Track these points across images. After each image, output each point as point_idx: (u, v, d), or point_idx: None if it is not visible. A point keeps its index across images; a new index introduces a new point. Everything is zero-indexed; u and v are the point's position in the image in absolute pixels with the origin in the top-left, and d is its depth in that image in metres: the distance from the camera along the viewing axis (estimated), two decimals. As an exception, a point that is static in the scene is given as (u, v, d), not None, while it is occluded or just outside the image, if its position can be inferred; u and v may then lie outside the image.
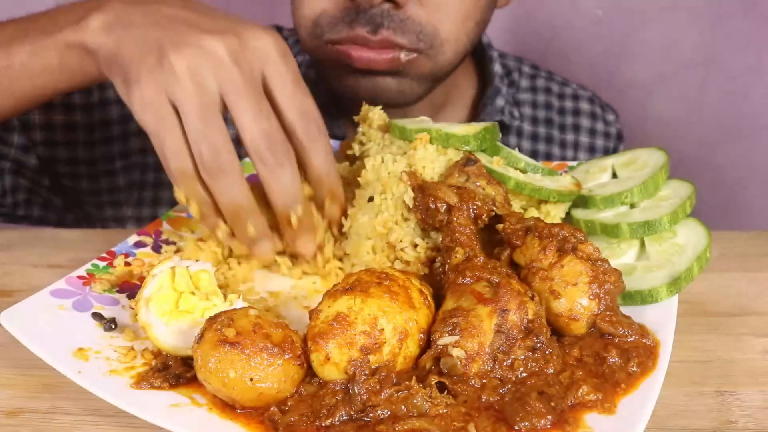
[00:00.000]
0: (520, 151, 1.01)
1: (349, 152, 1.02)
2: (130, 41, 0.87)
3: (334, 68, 1.26)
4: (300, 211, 0.89)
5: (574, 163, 1.14)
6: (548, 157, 1.54)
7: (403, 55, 1.20)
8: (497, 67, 1.50)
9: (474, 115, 1.52)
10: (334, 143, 1.21)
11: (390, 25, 1.16)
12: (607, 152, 1.59)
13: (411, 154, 0.92)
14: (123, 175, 1.41)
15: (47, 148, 1.35)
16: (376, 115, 1.02)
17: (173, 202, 1.06)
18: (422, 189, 0.87)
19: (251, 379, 0.68)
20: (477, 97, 1.54)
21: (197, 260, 0.85)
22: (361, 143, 1.02)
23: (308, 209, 0.90)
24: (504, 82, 1.52)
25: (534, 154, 1.54)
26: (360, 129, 1.03)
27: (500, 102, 1.48)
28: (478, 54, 1.54)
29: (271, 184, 0.86)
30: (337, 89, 1.30)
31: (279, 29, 1.58)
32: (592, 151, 1.58)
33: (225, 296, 0.82)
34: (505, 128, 1.50)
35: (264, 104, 0.85)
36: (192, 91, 0.82)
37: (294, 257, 0.97)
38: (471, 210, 0.85)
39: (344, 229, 0.96)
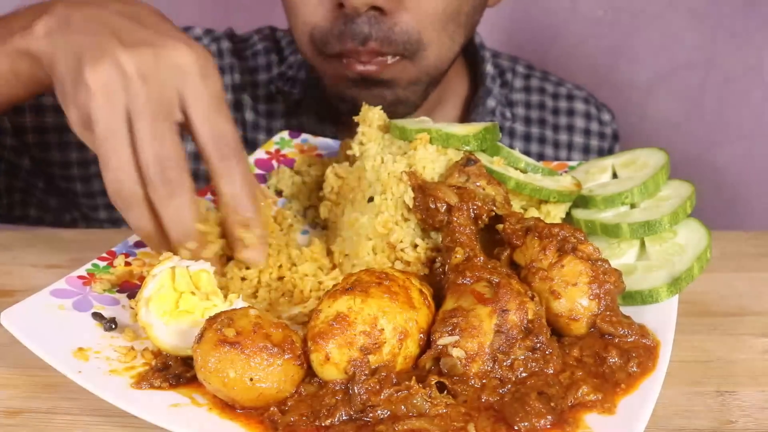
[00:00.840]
0: (513, 151, 1.01)
1: (349, 152, 1.02)
2: (63, 49, 0.85)
3: (335, 80, 1.27)
4: (192, 245, 0.85)
5: (574, 163, 1.14)
6: (541, 157, 1.54)
7: (389, 59, 1.21)
8: (489, 68, 1.50)
9: (465, 115, 1.52)
10: (334, 143, 1.21)
11: (378, 36, 1.17)
12: (602, 153, 1.59)
13: (411, 154, 0.92)
14: None
15: (40, 150, 1.35)
16: (376, 115, 1.02)
17: None
18: (422, 189, 0.87)
19: (251, 379, 0.68)
20: (469, 97, 1.54)
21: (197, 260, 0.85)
22: (361, 143, 1.02)
23: (202, 241, 0.86)
24: (496, 83, 1.52)
25: (526, 155, 1.54)
26: (360, 129, 1.03)
27: (491, 103, 1.48)
28: (470, 54, 1.54)
29: (163, 215, 0.83)
30: (336, 100, 1.31)
31: (273, 30, 1.59)
32: (586, 152, 1.58)
33: (225, 296, 0.82)
34: None
35: (164, 127, 0.82)
36: (102, 111, 0.81)
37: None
38: (471, 210, 0.85)
39: (343, 232, 0.96)
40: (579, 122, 1.59)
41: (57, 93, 0.87)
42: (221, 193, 0.86)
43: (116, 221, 1.44)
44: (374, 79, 1.24)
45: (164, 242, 0.86)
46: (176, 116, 0.83)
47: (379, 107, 1.03)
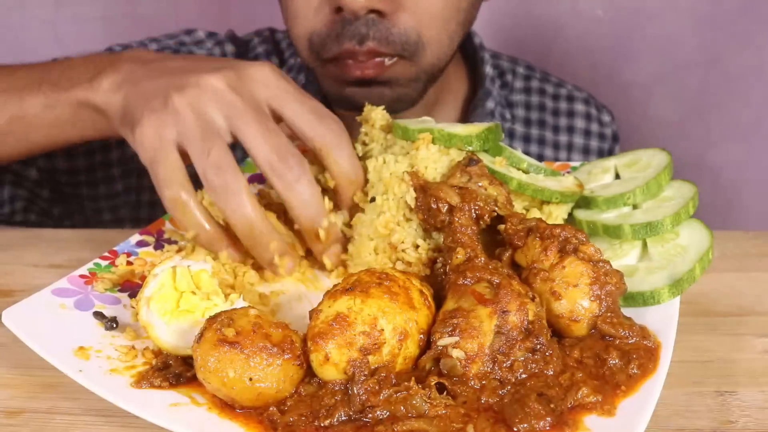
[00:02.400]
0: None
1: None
2: (137, 94, 0.90)
3: (334, 82, 1.27)
4: (325, 223, 0.90)
5: (576, 164, 1.14)
6: (541, 158, 1.54)
7: (386, 61, 1.21)
8: (488, 69, 1.50)
9: (464, 117, 1.52)
10: None
11: (375, 36, 1.17)
12: (602, 154, 1.59)
13: (413, 154, 0.92)
14: (121, 180, 1.42)
15: (47, 159, 1.36)
16: (378, 115, 1.02)
17: None
18: (424, 189, 0.87)
19: (250, 379, 0.68)
20: (468, 98, 1.54)
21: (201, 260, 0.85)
22: (364, 143, 1.02)
23: (332, 220, 0.91)
24: (495, 84, 1.52)
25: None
26: (362, 129, 1.03)
27: (490, 104, 1.48)
28: (470, 55, 1.54)
29: (292, 200, 0.87)
30: (336, 101, 1.31)
31: (273, 31, 1.59)
32: (586, 153, 1.58)
33: (226, 296, 0.82)
34: None
35: (270, 123, 0.87)
36: (193, 121, 0.85)
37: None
38: (473, 210, 0.85)
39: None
40: (579, 123, 1.59)
41: (128, 136, 0.91)
42: (338, 167, 0.92)
43: (119, 222, 1.44)
44: (372, 80, 1.24)
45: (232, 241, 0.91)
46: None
47: (382, 107, 1.03)
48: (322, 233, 0.90)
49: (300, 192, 0.87)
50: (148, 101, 0.88)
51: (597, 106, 1.63)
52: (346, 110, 1.28)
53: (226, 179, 0.84)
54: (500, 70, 1.58)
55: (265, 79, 0.90)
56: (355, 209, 0.96)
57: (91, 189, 1.41)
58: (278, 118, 0.92)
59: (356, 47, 1.18)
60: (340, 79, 1.25)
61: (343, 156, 0.91)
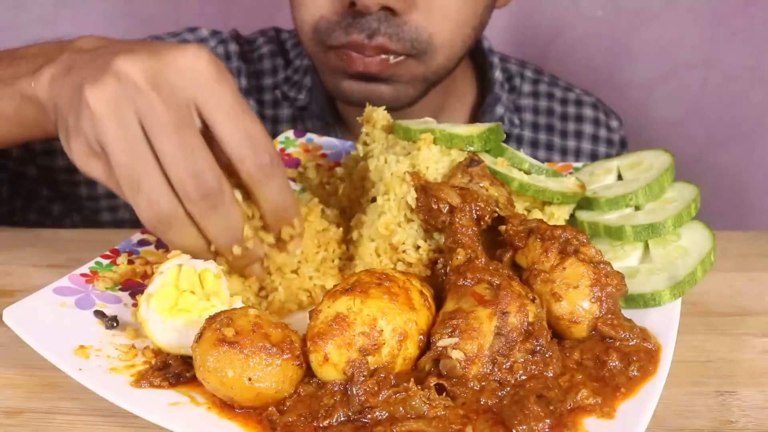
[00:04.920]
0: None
1: (353, 153, 1.02)
2: (65, 90, 0.80)
3: (333, 73, 1.26)
4: (238, 250, 0.82)
5: (578, 165, 1.14)
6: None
7: (392, 58, 1.20)
8: (497, 74, 1.49)
9: (473, 122, 1.51)
10: (340, 142, 1.21)
11: (386, 31, 1.17)
12: None
13: (415, 154, 0.92)
14: None
15: (46, 157, 1.35)
16: (380, 115, 1.02)
17: None
18: (425, 189, 0.87)
19: (249, 379, 0.68)
20: (476, 103, 1.53)
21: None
22: (365, 144, 1.02)
23: (255, 242, 0.84)
24: (504, 89, 1.51)
25: None
26: (364, 129, 1.03)
27: (500, 110, 1.47)
28: (478, 59, 1.53)
29: (205, 227, 0.79)
30: (332, 93, 1.30)
31: (278, 31, 1.58)
32: (594, 159, 1.57)
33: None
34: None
35: (190, 137, 0.75)
36: (112, 130, 0.74)
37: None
38: (473, 211, 0.84)
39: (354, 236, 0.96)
40: (587, 128, 1.58)
41: (60, 135, 0.81)
42: (265, 200, 0.81)
43: (118, 223, 1.44)
44: (373, 76, 1.23)
45: (211, 252, 0.83)
46: (197, 123, 0.77)
47: (383, 108, 1.03)
48: (237, 250, 0.82)
49: (212, 221, 0.78)
50: (70, 101, 0.77)
51: (605, 111, 1.62)
52: (342, 102, 1.28)
53: (159, 207, 0.75)
54: (508, 73, 1.57)
55: (196, 72, 0.75)
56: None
57: (90, 188, 1.41)
58: (203, 123, 0.79)
59: (365, 41, 1.17)
60: (339, 70, 1.24)
61: (273, 190, 0.81)
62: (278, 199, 0.82)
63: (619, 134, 1.62)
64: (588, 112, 1.59)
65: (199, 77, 0.76)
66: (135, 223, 1.44)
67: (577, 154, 1.56)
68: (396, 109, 1.27)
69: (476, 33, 1.29)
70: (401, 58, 1.21)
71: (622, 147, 1.61)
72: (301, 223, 0.88)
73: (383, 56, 1.20)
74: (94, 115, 0.74)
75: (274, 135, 1.48)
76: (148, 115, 0.74)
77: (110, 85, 0.74)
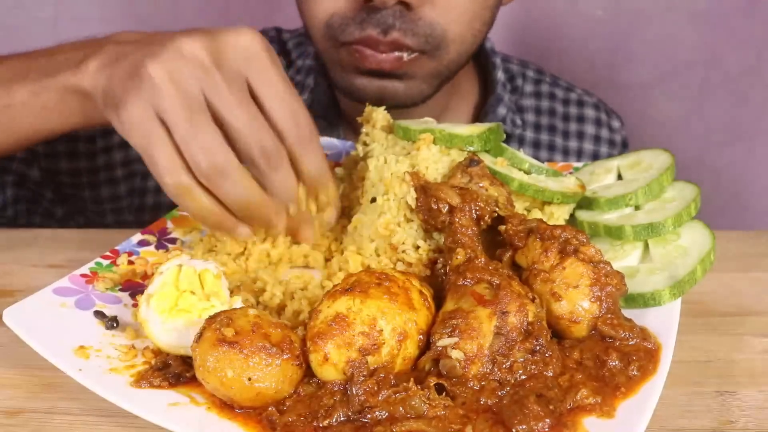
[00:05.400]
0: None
1: (353, 153, 1.02)
2: (117, 71, 0.85)
3: (344, 70, 1.25)
4: (294, 209, 0.89)
5: (579, 164, 1.14)
6: None
7: (405, 56, 1.20)
8: (500, 75, 1.49)
9: (475, 122, 1.51)
10: (341, 143, 1.21)
11: (401, 27, 1.16)
12: None
13: (414, 154, 0.92)
14: (124, 182, 1.42)
15: (49, 159, 1.35)
16: (379, 115, 1.02)
17: (174, 206, 1.07)
18: (424, 189, 0.87)
19: (249, 379, 0.68)
20: (479, 103, 1.53)
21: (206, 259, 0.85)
22: (365, 144, 1.02)
23: (304, 204, 0.91)
24: (506, 89, 1.51)
25: None
26: (363, 130, 1.03)
27: (502, 111, 1.47)
28: (481, 59, 1.53)
29: (267, 184, 0.85)
30: (345, 91, 1.29)
31: (279, 31, 1.58)
32: (595, 160, 1.56)
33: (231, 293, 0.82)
34: (506, 137, 1.49)
35: (253, 108, 0.83)
36: (174, 97, 0.80)
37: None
38: (473, 211, 0.84)
39: (348, 229, 0.96)
40: (589, 129, 1.57)
41: (113, 119, 0.85)
42: (304, 171, 0.88)
43: (122, 225, 1.44)
44: (387, 72, 1.22)
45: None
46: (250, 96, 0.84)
47: (383, 108, 1.03)
48: (293, 209, 0.89)
49: (275, 181, 0.85)
50: (128, 77, 0.83)
51: (607, 111, 1.61)
52: (353, 100, 1.27)
53: (215, 161, 0.80)
54: (510, 74, 1.57)
55: (249, 50, 0.83)
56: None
57: (94, 191, 1.41)
58: (252, 91, 0.86)
59: (379, 36, 1.17)
60: (352, 66, 1.23)
61: (312, 159, 0.88)
62: (316, 167, 0.88)
63: (621, 135, 1.61)
64: (590, 112, 1.59)
65: (254, 57, 0.83)
66: (138, 225, 1.44)
67: (579, 155, 1.56)
68: (409, 106, 1.27)
69: (486, 28, 1.29)
70: (414, 55, 1.21)
71: (624, 147, 1.61)
72: (335, 192, 0.94)
73: (397, 53, 1.19)
74: (155, 83, 0.79)
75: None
76: (212, 87, 0.80)
77: (173, 60, 0.80)
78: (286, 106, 0.85)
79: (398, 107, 1.22)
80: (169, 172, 0.81)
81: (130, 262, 0.94)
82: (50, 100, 0.95)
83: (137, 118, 0.81)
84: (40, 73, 0.96)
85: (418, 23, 1.17)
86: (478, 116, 1.51)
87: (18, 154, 1.32)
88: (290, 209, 0.88)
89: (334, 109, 1.44)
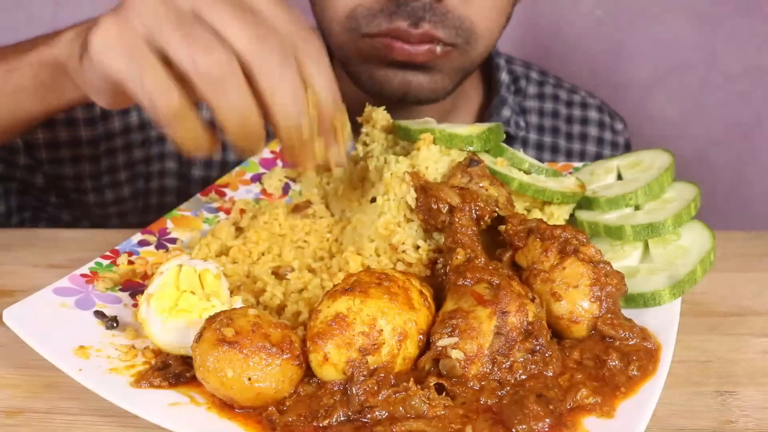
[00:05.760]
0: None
1: (353, 153, 1.02)
2: (92, 23, 0.76)
3: (367, 62, 1.23)
4: (305, 121, 0.77)
5: (579, 164, 1.14)
6: None
7: (438, 48, 1.19)
8: (504, 76, 1.49)
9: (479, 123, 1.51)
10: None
11: (431, 19, 1.16)
12: None
13: (414, 154, 0.92)
14: (128, 185, 1.41)
15: (53, 166, 1.35)
16: (380, 115, 1.02)
17: (175, 206, 1.07)
18: (424, 189, 0.87)
19: (249, 379, 0.68)
20: (483, 104, 1.53)
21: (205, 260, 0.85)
22: (365, 144, 1.02)
23: (316, 123, 0.79)
24: (510, 91, 1.50)
25: None
26: (363, 130, 1.03)
27: (506, 112, 1.47)
28: (485, 60, 1.53)
29: (275, 91, 0.73)
30: (365, 84, 1.26)
31: None
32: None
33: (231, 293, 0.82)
34: (510, 139, 1.48)
35: (250, 17, 0.73)
36: (161, 8, 0.71)
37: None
38: (473, 211, 0.84)
39: (348, 229, 0.96)
40: (593, 131, 1.57)
41: (83, 68, 0.77)
42: (312, 91, 0.77)
43: (127, 227, 1.44)
44: (415, 65, 1.21)
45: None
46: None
47: (383, 108, 1.03)
48: (304, 120, 0.77)
49: (285, 79, 0.73)
50: (103, 23, 0.73)
51: (610, 114, 1.61)
52: (372, 94, 1.24)
53: (215, 59, 0.70)
54: (514, 75, 1.56)
55: (293, 25, 0.76)
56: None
57: (98, 195, 1.41)
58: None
59: (410, 28, 1.16)
60: (374, 58, 1.22)
61: (321, 75, 0.77)
62: (326, 85, 0.78)
63: (624, 137, 1.61)
64: (593, 114, 1.58)
65: (298, 28, 0.76)
66: (143, 228, 1.45)
67: (582, 157, 1.56)
68: (429, 101, 1.26)
69: (507, 23, 1.29)
70: (447, 48, 1.20)
71: (627, 149, 1.60)
72: (347, 121, 0.84)
73: (430, 45, 1.18)
74: (136, 3, 0.71)
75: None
76: (203, 2, 0.72)
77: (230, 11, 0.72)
78: (284, 15, 0.76)
79: (419, 103, 1.21)
80: (161, 91, 0.71)
81: (130, 262, 0.94)
82: (24, 77, 0.93)
83: (111, 38, 0.72)
84: (17, 52, 0.95)
85: (447, 16, 1.17)
86: (482, 118, 1.51)
87: (21, 161, 1.31)
88: (303, 122, 0.76)
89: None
